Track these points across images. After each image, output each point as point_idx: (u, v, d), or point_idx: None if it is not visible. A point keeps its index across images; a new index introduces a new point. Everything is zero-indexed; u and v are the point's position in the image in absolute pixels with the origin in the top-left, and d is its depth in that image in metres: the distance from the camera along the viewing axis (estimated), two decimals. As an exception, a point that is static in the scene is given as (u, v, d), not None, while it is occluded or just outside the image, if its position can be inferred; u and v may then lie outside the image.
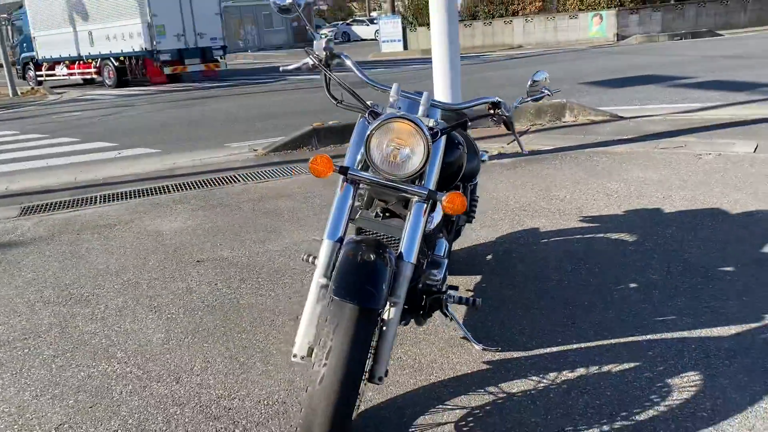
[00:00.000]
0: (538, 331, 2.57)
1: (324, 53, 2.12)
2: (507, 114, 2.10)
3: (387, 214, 2.14)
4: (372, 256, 1.72)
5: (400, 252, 1.87)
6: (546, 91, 2.21)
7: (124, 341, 2.76)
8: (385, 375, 1.79)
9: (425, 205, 1.93)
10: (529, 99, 2.20)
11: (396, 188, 1.93)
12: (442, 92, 5.47)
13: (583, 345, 2.43)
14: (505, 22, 22.73)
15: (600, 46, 19.05)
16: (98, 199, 5.23)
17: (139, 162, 6.91)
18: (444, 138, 1.99)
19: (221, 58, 18.52)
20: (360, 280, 1.64)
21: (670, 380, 2.15)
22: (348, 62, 2.14)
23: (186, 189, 5.38)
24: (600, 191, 4.41)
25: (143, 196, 5.26)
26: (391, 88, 2.03)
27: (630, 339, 2.44)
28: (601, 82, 10.22)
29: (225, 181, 5.58)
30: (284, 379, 2.36)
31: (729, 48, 14.49)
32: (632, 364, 2.26)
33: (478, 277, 3.16)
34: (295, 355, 1.89)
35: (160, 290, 3.28)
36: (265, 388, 2.31)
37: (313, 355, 1.64)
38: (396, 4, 28.98)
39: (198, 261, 3.67)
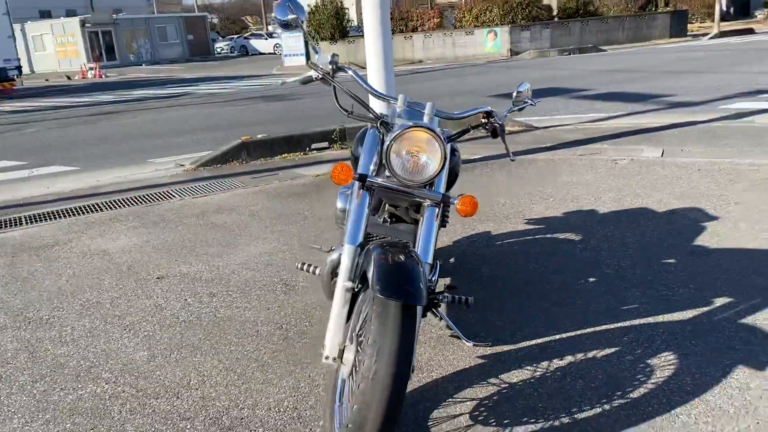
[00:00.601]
0: (519, 325, 2.74)
1: (330, 66, 2.20)
2: (499, 123, 2.26)
3: (393, 219, 2.24)
4: (402, 257, 1.82)
5: (417, 253, 1.97)
6: (529, 101, 2.39)
7: (105, 361, 2.67)
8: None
9: (437, 209, 2.05)
10: (515, 108, 2.38)
11: (410, 194, 2.04)
12: (376, 103, 5.62)
13: (564, 335, 2.63)
14: (405, 37, 23.35)
15: (496, 61, 20.01)
16: (24, 220, 4.95)
17: (59, 180, 6.57)
18: (449, 145, 2.12)
19: (17, 77, 20.08)
20: (401, 279, 1.73)
21: (649, 361, 2.38)
22: (353, 74, 2.23)
23: (118, 207, 5.20)
24: (536, 195, 4.70)
25: (74, 215, 5.02)
26: (396, 99, 2.14)
27: (604, 327, 2.67)
28: (507, 95, 10.75)
29: (159, 197, 5.44)
30: (288, 386, 2.39)
31: (615, 63, 15.68)
32: (613, 350, 2.48)
33: (448, 279, 3.32)
34: (327, 357, 1.94)
35: (126, 309, 3.19)
36: (272, 396, 2.33)
37: (360, 353, 1.71)
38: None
39: (158, 278, 3.59)
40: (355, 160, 2.98)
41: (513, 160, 1.99)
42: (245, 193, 5.39)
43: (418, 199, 2.07)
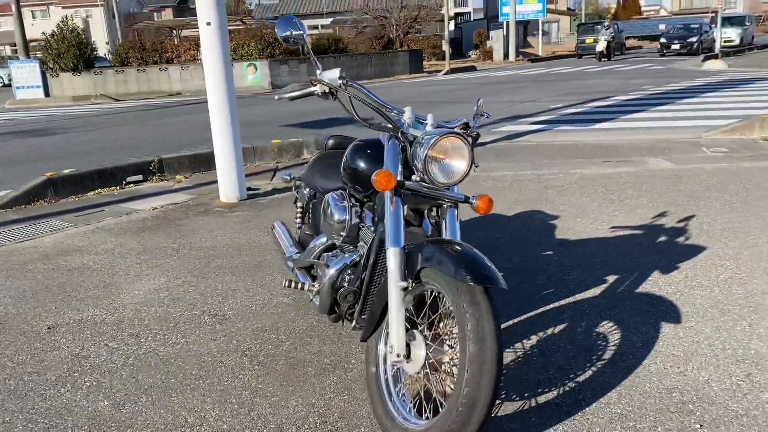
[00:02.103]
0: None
1: (339, 82, 2.26)
2: (476, 132, 2.53)
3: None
4: (462, 248, 1.97)
5: None
6: (485, 114, 2.70)
7: (66, 418, 2.32)
8: None
9: (457, 209, 2.24)
10: (480, 120, 2.66)
11: (435, 196, 2.20)
12: (220, 131, 5.51)
13: (521, 318, 2.96)
14: (161, 69, 22.42)
15: (260, 94, 20.24)
16: None
17: None
18: None
19: None
20: (480, 266, 1.88)
21: (598, 330, 2.82)
22: (363, 89, 2.31)
23: None
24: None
25: None
26: (403, 111, 2.29)
27: (543, 310, 3.07)
28: (301, 125, 11.10)
29: (-28, 244, 4.64)
30: (300, 404, 2.35)
31: (380, 94, 16.92)
32: (564, 325, 2.88)
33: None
34: (398, 355, 2.00)
35: (39, 365, 2.76)
36: (291, 416, 2.28)
37: (462, 338, 1.81)
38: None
39: (49, 328, 3.15)
40: (309, 185, 3.01)
41: (477, 166, 2.25)
42: (80, 233, 4.86)
43: (440, 201, 2.24)
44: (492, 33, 34.99)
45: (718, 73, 17.25)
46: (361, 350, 2.74)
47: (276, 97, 2.43)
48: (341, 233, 2.46)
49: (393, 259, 2.06)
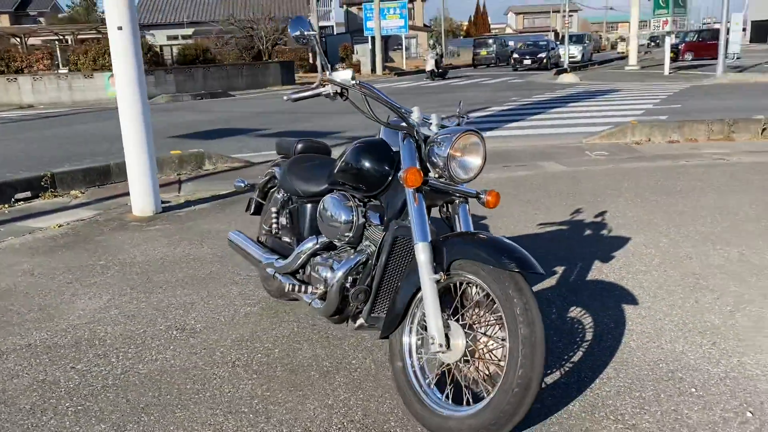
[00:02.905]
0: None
1: (353, 82, 2.28)
2: None
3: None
4: (489, 237, 2.07)
5: None
6: (466, 116, 2.81)
7: (61, 449, 2.12)
8: None
9: (467, 205, 2.34)
10: (464, 122, 2.76)
11: (452, 192, 2.28)
12: (134, 141, 5.21)
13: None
14: (9, 79, 20.57)
15: (127, 106, 19.19)
16: None
17: None
18: None
19: None
20: (518, 254, 1.97)
21: (570, 315, 3.03)
22: (375, 90, 2.33)
23: None
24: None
25: None
26: (411, 111, 2.35)
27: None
28: (189, 135, 10.70)
29: None
30: (319, 406, 2.32)
31: (255, 105, 16.72)
32: (536, 313, 3.06)
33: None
34: (440, 345, 2.04)
35: (1, 396, 2.49)
36: (314, 419, 2.24)
37: (512, 323, 1.89)
38: None
39: (1, 353, 2.85)
40: (288, 189, 2.96)
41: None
42: (-17, 255, 4.40)
43: (452, 197, 2.32)
44: (357, 47, 35.69)
45: (573, 86, 18.85)
46: (357, 350, 2.75)
47: (285, 98, 2.40)
48: (346, 234, 2.46)
49: (423, 253, 2.11)
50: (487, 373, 2.06)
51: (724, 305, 3.06)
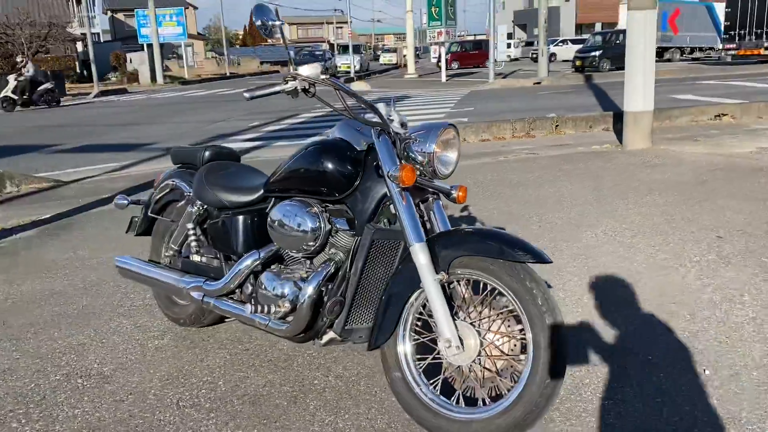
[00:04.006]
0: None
1: (323, 76, 2.09)
2: None
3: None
4: (494, 233, 2.04)
5: None
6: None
7: None
8: None
9: (441, 201, 2.28)
10: None
11: (427, 189, 2.20)
12: None
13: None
14: None
15: None
16: None
17: None
18: None
19: None
20: (526, 246, 1.95)
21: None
22: (344, 86, 2.15)
23: None
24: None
25: None
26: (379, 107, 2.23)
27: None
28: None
29: None
30: (350, 425, 2.11)
31: (28, 120, 14.75)
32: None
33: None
34: (457, 347, 1.95)
35: None
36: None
37: (536, 313, 1.87)
38: None
39: None
40: (209, 202, 2.63)
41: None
42: None
43: (427, 195, 2.24)
44: (131, 55, 33.34)
45: (367, 93, 19.55)
46: (311, 369, 2.56)
47: (247, 95, 2.13)
48: (310, 243, 2.26)
49: (422, 254, 2.01)
50: (495, 369, 2.02)
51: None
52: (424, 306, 2.13)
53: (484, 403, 2.01)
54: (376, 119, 2.18)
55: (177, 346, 2.82)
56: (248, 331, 2.90)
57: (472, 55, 33.67)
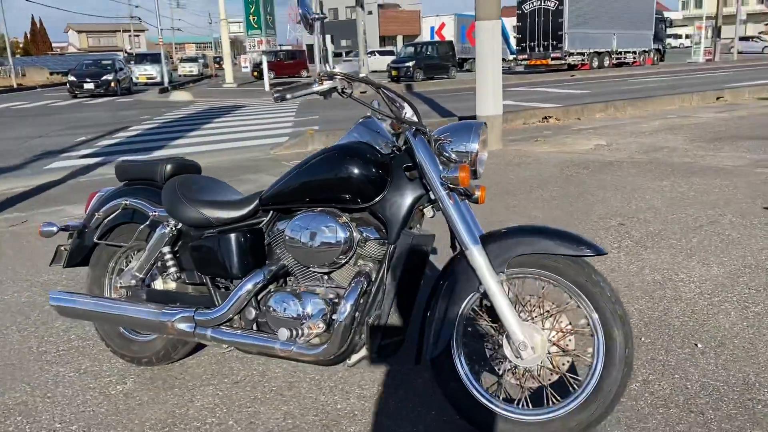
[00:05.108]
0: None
1: (363, 75, 1.93)
2: None
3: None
4: (552, 229, 2.02)
5: None
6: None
7: None
8: None
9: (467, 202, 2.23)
10: None
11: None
12: None
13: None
14: None
15: None
16: None
17: None
18: None
19: None
20: (585, 240, 1.94)
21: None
22: (382, 84, 1.99)
23: None
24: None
25: None
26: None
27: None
28: None
29: None
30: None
31: None
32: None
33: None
34: (533, 349, 1.90)
35: None
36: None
37: (608, 305, 1.87)
38: None
39: None
40: (187, 221, 2.32)
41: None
42: None
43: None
44: None
45: (192, 103, 18.64)
46: (349, 384, 2.36)
47: (279, 96, 1.89)
48: (340, 256, 2.07)
49: (480, 257, 1.94)
50: (559, 367, 2.01)
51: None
52: (473, 310, 2.06)
53: (553, 402, 1.99)
54: (415, 118, 2.07)
55: (150, 389, 2.44)
56: (219, 362, 2.61)
57: (287, 64, 33.56)
